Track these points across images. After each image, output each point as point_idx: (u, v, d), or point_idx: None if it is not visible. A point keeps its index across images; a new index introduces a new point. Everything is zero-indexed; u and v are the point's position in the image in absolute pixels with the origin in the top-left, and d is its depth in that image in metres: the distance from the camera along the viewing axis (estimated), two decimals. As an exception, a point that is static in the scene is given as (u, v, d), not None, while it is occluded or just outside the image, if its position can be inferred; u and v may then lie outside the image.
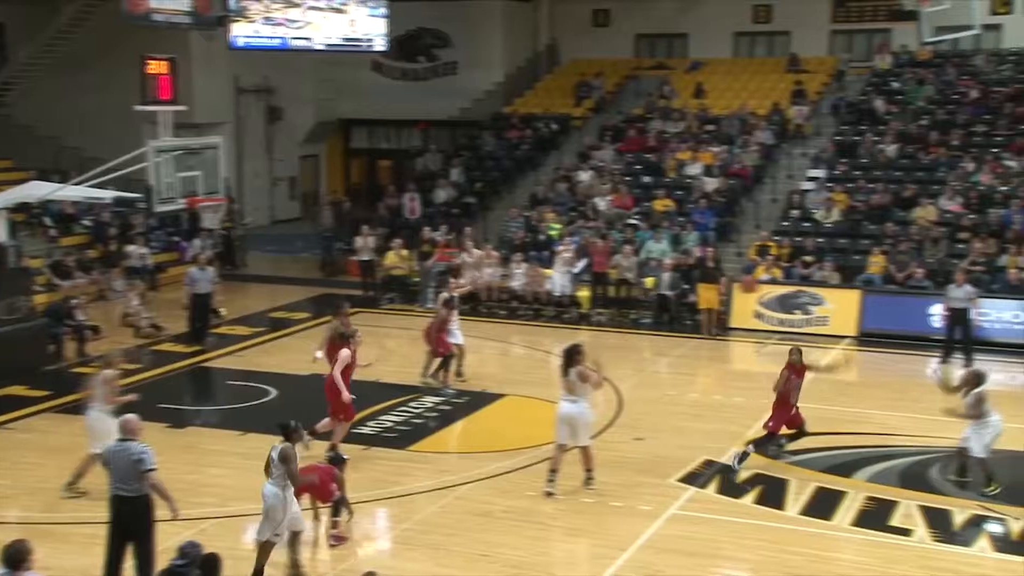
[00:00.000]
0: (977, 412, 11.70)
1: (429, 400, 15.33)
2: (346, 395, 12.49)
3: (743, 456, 12.44)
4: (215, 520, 10.81)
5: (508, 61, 32.80)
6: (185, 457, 12.70)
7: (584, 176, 26.00)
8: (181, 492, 9.53)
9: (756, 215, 24.50)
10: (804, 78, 29.16)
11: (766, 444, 12.66)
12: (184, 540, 8.09)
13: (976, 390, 11.82)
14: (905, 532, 10.76)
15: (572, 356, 11.55)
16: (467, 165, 28.49)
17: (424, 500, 11.62)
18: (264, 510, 9.27)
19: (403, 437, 13.82)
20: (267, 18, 24.85)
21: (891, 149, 24.98)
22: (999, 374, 16.91)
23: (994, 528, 10.88)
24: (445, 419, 14.78)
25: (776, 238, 22.40)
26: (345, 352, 12.64)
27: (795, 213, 23.56)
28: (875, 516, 11.11)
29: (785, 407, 12.50)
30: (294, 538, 9.52)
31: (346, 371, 12.63)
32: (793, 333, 19.80)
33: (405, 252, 23.26)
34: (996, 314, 18.94)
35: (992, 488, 11.57)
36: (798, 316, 20.20)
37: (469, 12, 32.04)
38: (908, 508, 11.28)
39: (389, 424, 14.33)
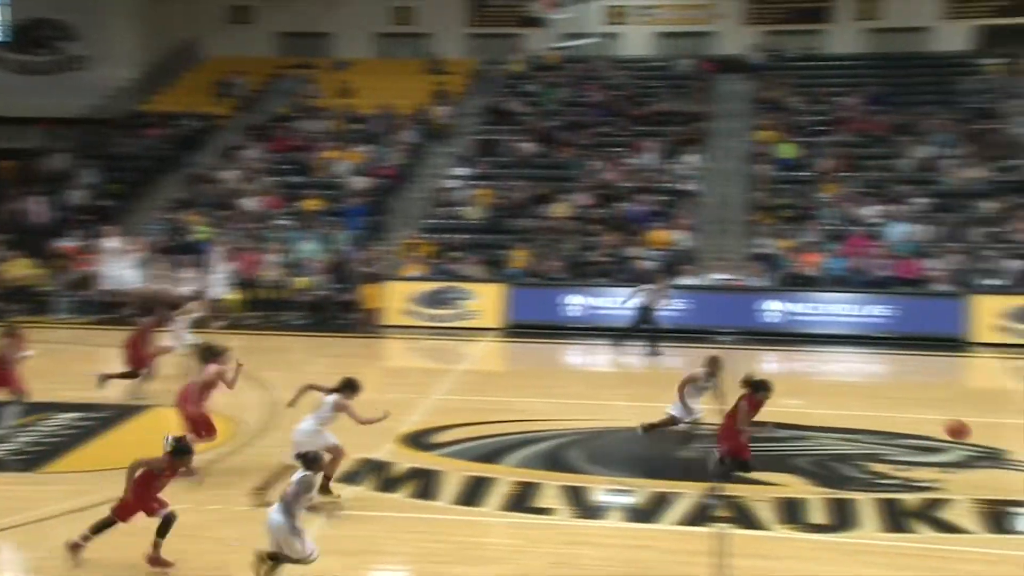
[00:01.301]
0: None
1: (64, 417, 14.27)
2: (200, 411, 11.82)
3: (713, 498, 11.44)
4: None
5: (142, 57, 31.25)
6: None
7: (228, 176, 25.31)
8: None
9: (405, 213, 24.98)
10: (445, 79, 30.08)
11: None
12: None
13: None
14: (548, 511, 11.38)
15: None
16: (102, 166, 26.82)
17: (59, 524, 10.80)
18: (282, 538, 8.91)
19: (35, 458, 12.78)
20: None
21: (528, 148, 26.35)
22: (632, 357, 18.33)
23: (623, 500, 11.78)
24: (84, 436, 13.83)
25: (424, 235, 22.95)
26: (213, 368, 11.84)
27: (441, 210, 24.26)
28: (521, 499, 11.66)
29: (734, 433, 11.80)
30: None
31: (208, 388, 11.89)
32: (444, 328, 20.47)
33: (30, 260, 21.58)
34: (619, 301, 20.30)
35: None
36: (448, 311, 20.83)
37: (95, 3, 30.18)
38: (550, 488, 11.94)
39: (18, 446, 13.19)
